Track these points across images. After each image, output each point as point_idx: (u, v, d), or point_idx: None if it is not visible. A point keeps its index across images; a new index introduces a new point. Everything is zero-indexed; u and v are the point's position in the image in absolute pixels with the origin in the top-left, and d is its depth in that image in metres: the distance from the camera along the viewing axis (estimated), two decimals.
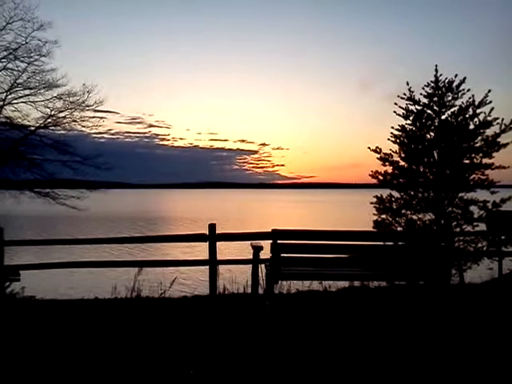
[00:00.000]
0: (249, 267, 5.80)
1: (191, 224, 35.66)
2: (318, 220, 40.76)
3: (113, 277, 9.19)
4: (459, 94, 9.43)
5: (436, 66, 9.52)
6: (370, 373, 3.56)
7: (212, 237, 6.41)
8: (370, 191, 10.72)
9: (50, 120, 17.95)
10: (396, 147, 9.70)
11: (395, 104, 9.73)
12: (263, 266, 5.69)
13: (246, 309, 5.47)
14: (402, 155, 9.65)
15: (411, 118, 9.59)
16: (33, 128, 17.97)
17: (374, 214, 9.72)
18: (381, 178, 9.91)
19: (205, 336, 4.46)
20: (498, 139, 9.14)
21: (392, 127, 9.72)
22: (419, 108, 9.57)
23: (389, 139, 9.78)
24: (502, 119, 9.08)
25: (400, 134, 9.66)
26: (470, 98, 9.31)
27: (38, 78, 17.55)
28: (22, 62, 17.32)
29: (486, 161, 9.22)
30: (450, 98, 9.47)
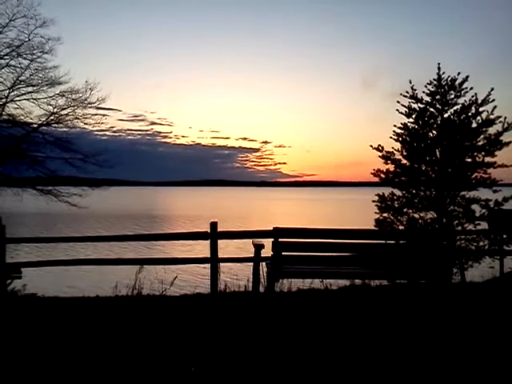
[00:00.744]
0: (250, 265, 5.80)
1: (192, 222, 35.70)
2: (319, 218, 40.80)
3: (114, 274, 9.18)
4: (462, 93, 9.42)
5: (439, 64, 9.52)
6: (370, 371, 3.55)
7: (213, 235, 6.41)
8: (371, 189, 10.73)
9: (52, 117, 17.98)
10: (398, 145, 9.71)
11: (398, 102, 9.73)
12: (264, 264, 5.69)
13: (247, 307, 5.47)
14: (404, 153, 9.64)
15: (414, 116, 9.59)
16: (35, 125, 18.02)
17: (376, 213, 9.72)
18: (383, 176, 9.91)
19: (206, 334, 4.46)
20: (501, 138, 9.14)
21: (394, 125, 9.72)
22: (422, 106, 9.56)
23: (391, 137, 9.79)
24: (505, 117, 9.10)
25: (402, 132, 9.65)
26: (472, 97, 9.30)
27: (40, 75, 17.60)
28: (25, 59, 17.39)
29: (488, 159, 9.21)
30: (452, 97, 9.46)
